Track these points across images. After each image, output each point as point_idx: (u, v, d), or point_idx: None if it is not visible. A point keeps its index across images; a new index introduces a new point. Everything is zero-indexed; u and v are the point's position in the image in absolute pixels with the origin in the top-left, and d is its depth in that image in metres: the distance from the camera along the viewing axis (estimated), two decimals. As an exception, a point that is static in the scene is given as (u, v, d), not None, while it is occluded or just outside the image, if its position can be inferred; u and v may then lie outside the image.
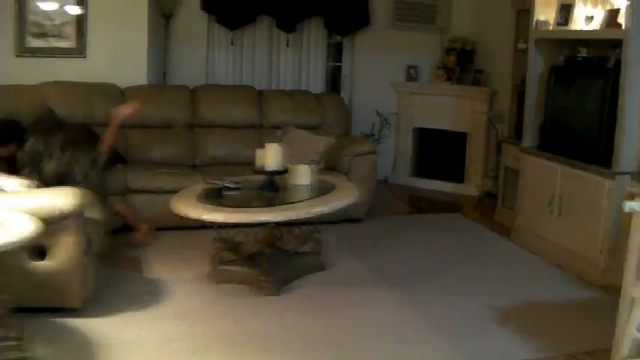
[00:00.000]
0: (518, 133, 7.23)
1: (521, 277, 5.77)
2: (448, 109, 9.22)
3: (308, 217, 5.32)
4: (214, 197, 5.28)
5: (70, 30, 7.66)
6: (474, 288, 5.41)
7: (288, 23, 9.00)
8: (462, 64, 9.20)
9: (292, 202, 5.36)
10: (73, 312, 4.53)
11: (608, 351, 4.11)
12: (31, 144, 5.58)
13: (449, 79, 9.26)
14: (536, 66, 6.68)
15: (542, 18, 6.55)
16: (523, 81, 7.13)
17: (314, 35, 9.30)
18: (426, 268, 5.86)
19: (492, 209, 7.80)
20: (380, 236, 6.86)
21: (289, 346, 4.29)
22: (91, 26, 7.65)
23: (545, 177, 6.28)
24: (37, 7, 7.48)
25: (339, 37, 9.60)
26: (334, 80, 9.80)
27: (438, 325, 4.66)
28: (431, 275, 5.68)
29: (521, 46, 7.38)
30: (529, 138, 6.75)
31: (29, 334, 3.97)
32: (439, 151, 9.46)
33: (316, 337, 4.44)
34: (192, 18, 8.74)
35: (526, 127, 6.79)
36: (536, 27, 6.58)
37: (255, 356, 4.14)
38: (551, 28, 6.49)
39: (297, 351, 4.23)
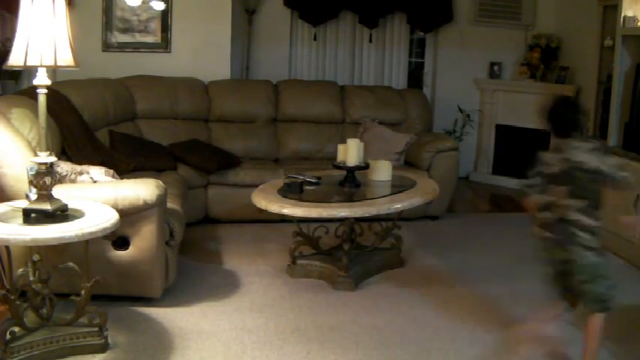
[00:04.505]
0: (602, 132, 7.06)
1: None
2: (531, 106, 9.05)
3: (388, 213, 5.30)
4: (295, 191, 5.29)
5: (155, 25, 7.80)
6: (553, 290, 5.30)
7: (370, 19, 8.99)
8: (546, 61, 9.03)
9: (372, 198, 5.35)
10: (153, 301, 4.61)
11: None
12: None
13: (532, 76, 9.10)
14: (623, 63, 6.51)
15: (629, 14, 6.38)
16: (609, 78, 6.97)
17: (397, 31, 9.27)
18: (505, 268, 5.76)
19: (576, 209, 7.63)
20: (460, 234, 6.78)
21: (364, 343, 4.26)
22: (176, 22, 7.78)
23: (630, 177, 6.11)
24: (124, 3, 7.63)
25: (421, 33, 9.53)
26: (415, 76, 9.74)
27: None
28: (509, 276, 5.58)
29: (607, 42, 7.21)
30: (614, 137, 6.58)
31: (110, 321, 4.04)
32: (521, 149, 9.30)
33: (391, 333, 4.40)
34: (275, 13, 8.82)
35: (611, 125, 6.63)
36: (623, 23, 6.42)
37: (329, 352, 4.12)
38: (639, 24, 6.33)
39: (372, 347, 4.20)
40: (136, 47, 7.76)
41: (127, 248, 4.40)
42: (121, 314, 4.41)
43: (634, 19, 6.33)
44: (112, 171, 4.78)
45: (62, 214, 3.72)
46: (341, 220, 5.44)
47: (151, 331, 4.26)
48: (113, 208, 4.00)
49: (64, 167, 4.52)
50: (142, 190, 4.33)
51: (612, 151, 5.63)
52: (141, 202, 4.30)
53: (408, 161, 7.34)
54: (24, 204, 3.73)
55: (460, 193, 8.27)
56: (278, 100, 7.82)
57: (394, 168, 5.89)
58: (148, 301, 4.60)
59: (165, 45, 7.81)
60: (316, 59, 9.17)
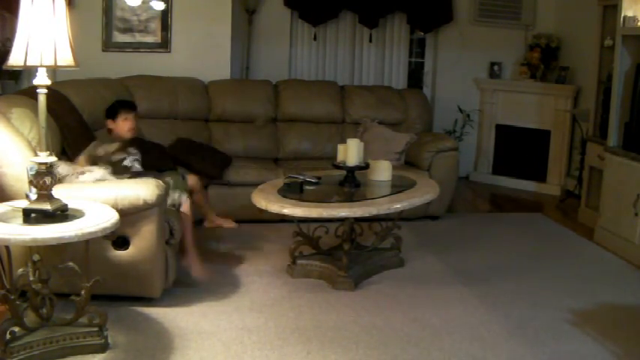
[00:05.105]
0: (603, 132, 7.05)
1: (602, 279, 5.62)
2: (531, 106, 9.08)
3: (388, 213, 5.29)
4: (295, 191, 5.29)
5: (155, 25, 7.80)
6: (553, 289, 5.30)
7: (370, 19, 8.99)
8: (546, 61, 9.02)
9: (372, 198, 5.35)
10: (153, 301, 4.61)
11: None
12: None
13: (532, 76, 9.10)
14: (623, 63, 6.50)
15: (629, 14, 6.37)
16: (609, 78, 6.96)
17: (397, 31, 9.27)
18: (505, 268, 5.77)
19: (575, 209, 7.63)
20: (460, 234, 6.78)
21: (364, 342, 4.26)
22: (176, 22, 7.78)
23: (630, 177, 6.11)
24: (124, 3, 7.63)
25: (421, 33, 9.53)
26: (415, 76, 9.74)
27: (515, 325, 4.57)
28: (509, 275, 5.59)
29: (607, 42, 7.18)
30: (614, 137, 6.58)
31: (110, 321, 4.04)
32: (521, 149, 9.31)
33: (391, 333, 4.40)
34: (275, 13, 8.82)
35: (611, 125, 6.62)
36: (623, 23, 6.42)
37: (329, 351, 4.12)
38: (639, 24, 6.32)
39: (372, 347, 4.20)
40: (136, 47, 7.76)
41: (127, 248, 4.40)
42: (121, 314, 4.41)
43: (634, 19, 6.32)
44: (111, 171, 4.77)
45: (62, 214, 3.72)
46: (341, 220, 5.44)
47: (151, 331, 4.26)
48: (113, 208, 4.00)
49: (64, 167, 4.52)
50: (142, 190, 4.33)
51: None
52: (141, 202, 4.30)
53: (408, 161, 7.34)
54: (24, 204, 3.73)
55: (460, 193, 8.27)
56: (278, 100, 7.82)
57: (394, 168, 5.88)
58: (148, 301, 4.60)
59: (165, 45, 7.81)
60: (316, 59, 9.17)
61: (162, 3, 7.72)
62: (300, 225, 5.48)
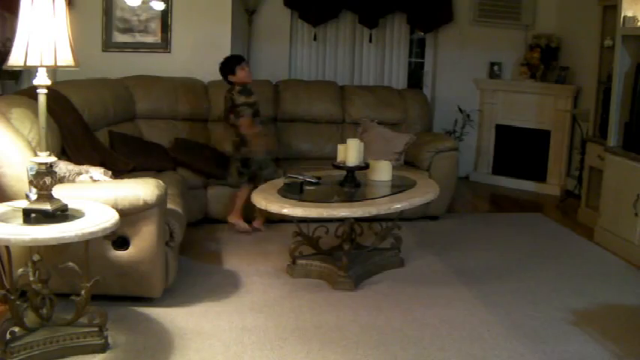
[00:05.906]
0: (603, 132, 7.05)
1: (602, 279, 5.61)
2: (531, 106, 9.08)
3: (388, 214, 5.29)
4: (295, 191, 5.29)
5: (155, 25, 7.80)
6: (553, 289, 5.29)
7: (370, 19, 8.99)
8: (546, 61, 9.02)
9: (372, 198, 5.35)
10: (153, 301, 4.61)
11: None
12: None
13: (532, 76, 9.10)
14: (623, 63, 6.50)
15: (629, 14, 6.37)
16: (609, 78, 6.96)
17: (397, 31, 9.27)
18: (505, 268, 5.77)
19: (575, 209, 7.63)
20: (459, 234, 6.78)
21: (364, 342, 4.25)
22: (176, 22, 7.78)
23: (630, 177, 6.11)
24: (124, 3, 7.63)
25: (421, 33, 9.53)
26: (415, 76, 9.74)
27: (515, 326, 4.57)
28: (509, 275, 5.59)
29: (607, 42, 7.18)
30: (614, 137, 6.58)
31: (110, 321, 4.04)
32: (521, 149, 9.31)
33: (391, 333, 4.40)
34: (275, 14, 8.82)
35: (611, 125, 6.62)
36: (623, 23, 6.42)
37: (329, 351, 4.12)
38: (639, 24, 6.32)
39: (372, 347, 4.20)
40: (136, 47, 7.77)
41: (127, 248, 4.40)
42: (121, 314, 4.41)
43: (634, 19, 6.32)
44: (109, 172, 4.77)
45: (62, 214, 3.72)
46: (341, 220, 5.44)
47: (151, 331, 4.26)
48: (113, 208, 4.00)
49: (64, 167, 4.52)
50: (142, 190, 4.32)
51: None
52: (141, 202, 4.29)
53: (408, 161, 7.34)
54: (24, 204, 3.73)
55: (460, 193, 8.27)
56: (278, 100, 7.82)
57: (394, 168, 5.88)
58: (148, 301, 4.60)
59: (165, 45, 7.81)
60: (316, 59, 9.17)
61: (162, 3, 7.72)
62: (300, 225, 5.48)
